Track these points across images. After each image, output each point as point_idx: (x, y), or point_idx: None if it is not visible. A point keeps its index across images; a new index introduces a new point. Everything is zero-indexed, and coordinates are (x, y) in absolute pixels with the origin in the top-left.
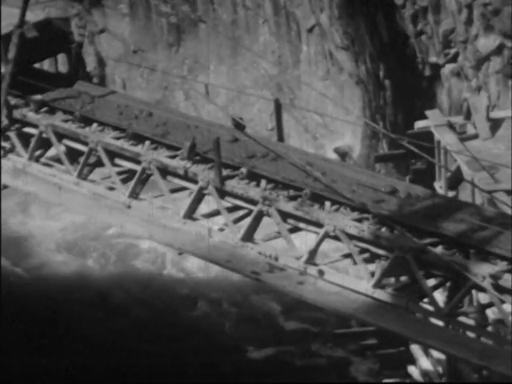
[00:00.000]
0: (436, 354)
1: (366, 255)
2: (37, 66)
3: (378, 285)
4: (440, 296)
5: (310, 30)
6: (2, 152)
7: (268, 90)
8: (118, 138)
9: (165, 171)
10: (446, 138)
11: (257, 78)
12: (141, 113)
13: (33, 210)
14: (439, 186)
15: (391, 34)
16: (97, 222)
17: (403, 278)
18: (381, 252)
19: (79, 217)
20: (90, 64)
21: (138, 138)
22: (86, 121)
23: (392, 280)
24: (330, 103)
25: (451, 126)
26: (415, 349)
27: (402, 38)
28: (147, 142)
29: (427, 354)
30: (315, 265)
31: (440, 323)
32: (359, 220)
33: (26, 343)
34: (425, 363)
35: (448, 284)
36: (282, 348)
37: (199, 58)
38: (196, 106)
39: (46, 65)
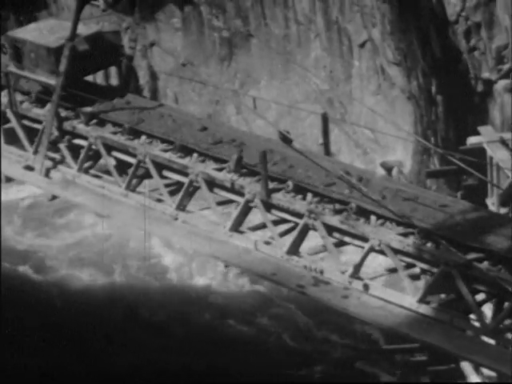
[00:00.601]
0: (487, 371)
1: (411, 270)
2: (88, 78)
3: (423, 300)
4: (487, 311)
5: (362, 45)
6: (52, 163)
7: (319, 105)
8: (166, 151)
9: (212, 184)
10: (499, 155)
11: (308, 93)
12: (189, 126)
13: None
14: (491, 203)
15: (443, 50)
16: (119, 233)
17: (448, 294)
18: (426, 267)
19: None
20: (143, 78)
21: (186, 151)
22: (135, 133)
23: (437, 295)
24: (381, 118)
25: (504, 143)
26: (465, 366)
27: (454, 53)
28: (195, 155)
29: (478, 371)
30: (360, 279)
31: (488, 340)
32: (405, 235)
33: (62, 362)
34: (475, 380)
35: (494, 300)
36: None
37: (251, 73)
38: (247, 120)
39: (98, 78)
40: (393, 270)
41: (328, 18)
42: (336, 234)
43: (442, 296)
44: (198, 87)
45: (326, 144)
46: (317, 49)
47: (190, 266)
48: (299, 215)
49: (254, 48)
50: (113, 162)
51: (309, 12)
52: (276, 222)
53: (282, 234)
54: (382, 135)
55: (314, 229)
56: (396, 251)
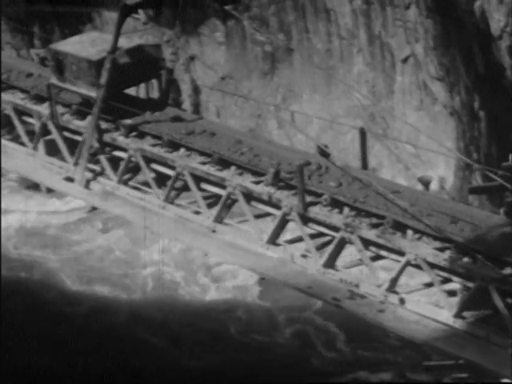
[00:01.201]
0: None
1: (448, 285)
2: (129, 91)
3: (459, 314)
4: None
5: (405, 61)
6: (92, 175)
7: (361, 120)
8: (204, 163)
9: (249, 196)
10: None
11: (350, 108)
12: (227, 139)
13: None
14: None
15: (487, 65)
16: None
17: (485, 309)
18: (462, 282)
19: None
20: (185, 91)
21: (224, 164)
22: (174, 146)
23: (473, 310)
24: (424, 133)
25: None
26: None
27: (497, 69)
28: (233, 168)
29: None
30: (396, 293)
31: None
32: (441, 249)
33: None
34: None
35: None
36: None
37: (293, 87)
38: (289, 134)
39: (139, 90)
40: (429, 285)
41: (371, 32)
42: (372, 248)
43: (479, 311)
44: (240, 101)
45: (364, 158)
46: (359, 64)
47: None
48: (336, 229)
49: (296, 62)
50: (152, 175)
51: (352, 27)
52: (313, 236)
53: (319, 248)
54: (424, 150)
55: (351, 242)
56: (432, 265)
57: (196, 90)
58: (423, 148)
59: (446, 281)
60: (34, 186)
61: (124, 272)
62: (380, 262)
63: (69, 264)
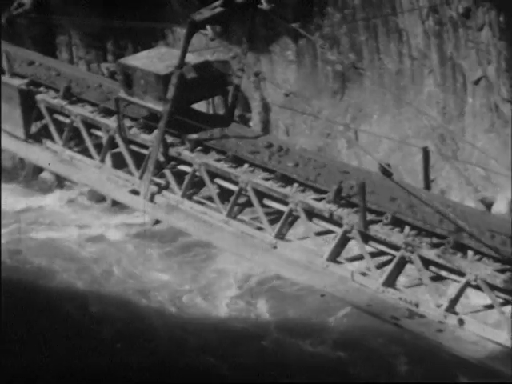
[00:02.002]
0: None
1: (508, 307)
2: (195, 106)
3: None
4: None
5: (477, 82)
6: (157, 188)
7: (431, 141)
8: (267, 179)
9: (311, 213)
10: None
11: (420, 129)
12: (292, 156)
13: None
14: None
15: None
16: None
17: None
18: None
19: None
20: (255, 109)
21: (287, 180)
22: (238, 161)
23: None
24: (493, 156)
25: None
26: None
27: None
28: (295, 184)
29: None
30: (455, 313)
31: None
32: (502, 271)
33: None
34: None
35: None
36: None
37: (363, 107)
38: (358, 154)
39: (205, 106)
40: (489, 306)
41: (442, 53)
42: (432, 268)
43: None
44: (309, 120)
45: (427, 178)
46: (430, 85)
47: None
48: (396, 247)
49: (366, 82)
50: (215, 189)
51: (423, 47)
52: (373, 254)
53: (379, 266)
54: (495, 173)
55: (411, 262)
56: (493, 287)
57: (266, 108)
58: (493, 170)
59: (506, 303)
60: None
61: None
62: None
63: None
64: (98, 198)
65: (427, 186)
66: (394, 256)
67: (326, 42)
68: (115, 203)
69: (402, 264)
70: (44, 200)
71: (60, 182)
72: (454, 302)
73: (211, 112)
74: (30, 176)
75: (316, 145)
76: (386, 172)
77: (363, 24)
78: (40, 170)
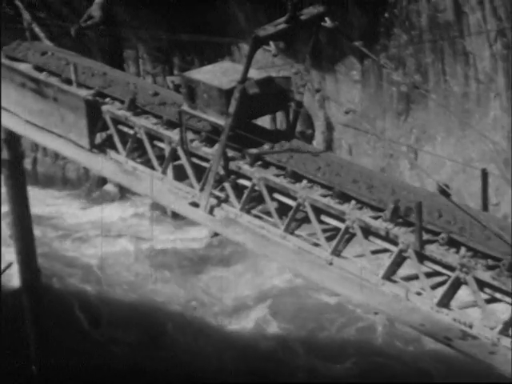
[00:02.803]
0: None
1: None
2: (257, 121)
3: None
4: None
5: None
6: (217, 201)
7: (495, 165)
8: (325, 196)
9: (367, 231)
10: None
11: (484, 152)
12: (350, 174)
13: None
14: None
15: None
16: None
17: None
18: None
19: None
20: (319, 128)
21: (345, 197)
22: (297, 177)
23: None
24: None
25: None
26: None
27: None
28: (353, 202)
29: None
30: (509, 336)
31: None
32: None
33: None
34: None
35: None
36: None
37: (427, 129)
38: (420, 175)
39: (266, 121)
40: None
41: (509, 77)
42: (487, 290)
43: None
44: (372, 140)
45: (485, 200)
46: (496, 108)
47: None
48: (451, 268)
49: (431, 104)
50: (274, 204)
51: (490, 71)
52: (428, 274)
53: (434, 286)
54: None
55: (465, 283)
56: None
57: (329, 127)
58: None
59: None
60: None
61: None
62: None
63: None
64: (160, 209)
65: (485, 208)
66: (448, 276)
67: (392, 62)
68: (175, 215)
69: (456, 285)
70: (106, 211)
71: (123, 194)
72: (507, 324)
73: (273, 127)
74: (93, 187)
75: (378, 165)
76: (444, 192)
77: (430, 46)
78: (103, 181)
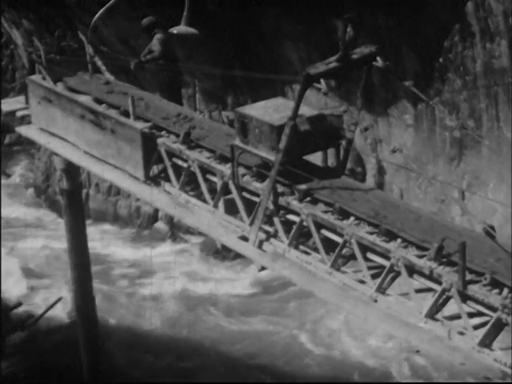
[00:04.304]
0: None
1: None
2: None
3: None
4: None
5: None
6: (266, 236)
7: None
8: (371, 233)
9: (412, 269)
10: None
11: None
12: (398, 213)
13: None
14: None
15: None
16: None
17: None
18: None
19: None
20: (370, 171)
21: (391, 235)
22: (345, 214)
23: None
24: None
25: None
26: None
27: None
28: (399, 240)
29: None
30: None
31: None
32: None
33: None
34: None
35: None
36: None
37: (479, 175)
38: (471, 222)
39: (318, 158)
40: None
41: None
42: None
43: None
44: (423, 185)
45: None
46: None
47: None
48: (493, 309)
49: (484, 150)
50: (321, 240)
51: None
52: (471, 314)
53: (477, 326)
54: None
55: (507, 324)
56: None
57: (381, 171)
58: None
59: None
60: (217, 252)
61: None
62: None
63: None
64: (211, 249)
65: None
66: (491, 317)
67: (446, 107)
68: (224, 248)
69: (498, 325)
70: (156, 250)
71: (173, 232)
72: None
73: (324, 165)
74: (144, 225)
75: (430, 210)
76: (488, 233)
77: (484, 91)
78: (155, 219)
